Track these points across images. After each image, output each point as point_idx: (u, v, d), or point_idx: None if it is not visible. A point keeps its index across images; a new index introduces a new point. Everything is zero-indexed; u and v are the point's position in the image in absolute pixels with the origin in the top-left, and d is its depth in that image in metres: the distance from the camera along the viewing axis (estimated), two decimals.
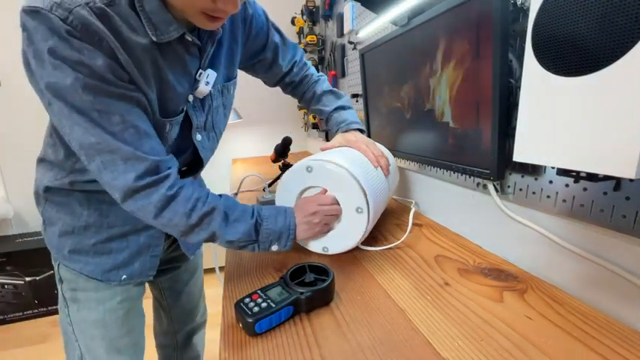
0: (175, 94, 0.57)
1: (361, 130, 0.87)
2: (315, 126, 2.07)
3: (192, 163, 0.71)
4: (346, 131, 0.85)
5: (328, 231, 0.71)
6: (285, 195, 0.75)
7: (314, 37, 1.90)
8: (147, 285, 0.84)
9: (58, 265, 0.68)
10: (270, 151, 1.44)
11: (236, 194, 1.33)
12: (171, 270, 0.91)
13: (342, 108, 0.89)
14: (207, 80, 0.61)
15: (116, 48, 0.47)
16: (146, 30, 0.50)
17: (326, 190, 0.70)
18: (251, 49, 0.78)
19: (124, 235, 0.67)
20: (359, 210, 0.67)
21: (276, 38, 0.83)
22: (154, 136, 0.54)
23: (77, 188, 0.63)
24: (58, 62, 0.44)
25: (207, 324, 1.14)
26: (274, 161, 1.98)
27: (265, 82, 0.92)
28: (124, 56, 0.48)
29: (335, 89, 0.92)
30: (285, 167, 1.35)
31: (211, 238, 0.59)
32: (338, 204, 0.69)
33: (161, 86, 0.55)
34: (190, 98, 0.61)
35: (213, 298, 1.99)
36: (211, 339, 1.43)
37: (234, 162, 2.34)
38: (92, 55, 0.45)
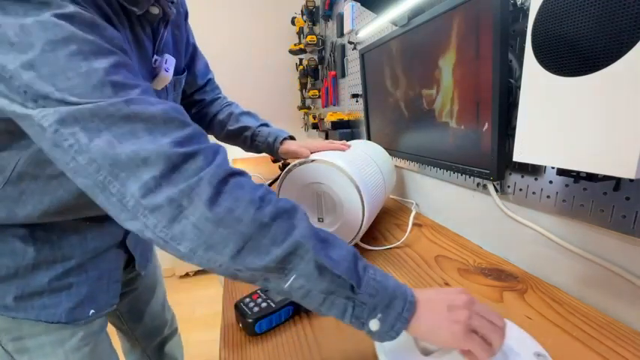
0: None
1: (292, 138, 0.84)
2: (315, 126, 2.07)
3: None
4: (284, 139, 0.82)
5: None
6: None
7: (314, 37, 1.90)
8: None
9: None
10: None
11: None
12: (128, 293, 0.79)
13: (266, 125, 0.85)
14: (167, 66, 0.52)
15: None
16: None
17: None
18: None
19: (81, 265, 0.57)
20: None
21: (194, 41, 0.75)
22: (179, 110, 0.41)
23: (14, 222, 0.50)
24: None
25: (207, 324, 1.14)
26: (274, 161, 1.98)
27: None
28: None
29: (252, 112, 0.88)
30: (285, 167, 1.34)
31: (289, 259, 0.35)
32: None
33: None
34: None
35: (213, 298, 2.00)
36: (211, 339, 1.43)
37: (234, 162, 2.34)
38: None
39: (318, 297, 0.36)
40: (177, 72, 0.62)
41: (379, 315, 0.36)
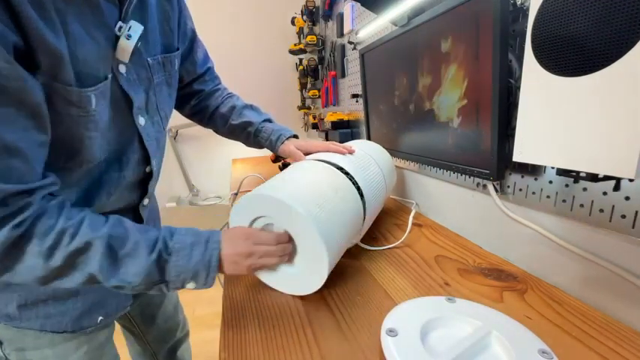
0: (88, 53, 0.42)
1: (295, 136, 0.82)
2: (315, 126, 2.07)
3: (140, 163, 0.57)
4: (287, 139, 0.80)
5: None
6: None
7: (314, 37, 1.90)
8: None
9: None
10: (270, 152, 1.44)
11: (236, 194, 1.33)
12: (138, 297, 0.76)
13: (270, 120, 0.83)
14: (130, 33, 0.47)
15: None
16: None
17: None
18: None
19: None
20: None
21: (194, 27, 0.71)
22: (20, 152, 0.37)
23: None
24: None
25: (207, 324, 1.14)
26: (274, 161, 1.98)
27: None
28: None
29: (254, 105, 0.85)
30: (285, 167, 1.35)
31: (92, 281, 0.43)
32: (290, 240, 0.55)
33: (67, 42, 0.40)
34: (122, 69, 0.49)
35: (214, 298, 2.00)
36: (211, 339, 1.44)
37: (234, 162, 2.34)
38: None
39: (133, 292, 0.47)
40: (167, 50, 0.58)
41: (191, 282, 0.48)
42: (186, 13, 0.67)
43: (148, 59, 0.53)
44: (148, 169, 0.59)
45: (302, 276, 0.57)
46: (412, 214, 0.90)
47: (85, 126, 0.44)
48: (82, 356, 0.57)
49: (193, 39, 0.72)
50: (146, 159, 0.57)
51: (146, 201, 0.64)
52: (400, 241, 0.77)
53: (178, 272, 0.46)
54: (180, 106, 0.81)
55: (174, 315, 0.90)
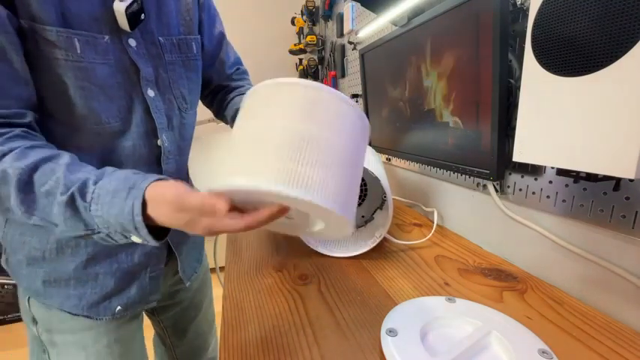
0: (77, 2, 0.45)
1: None
2: None
3: (150, 135, 0.57)
4: None
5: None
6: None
7: (314, 37, 1.90)
8: (145, 316, 0.72)
9: (28, 300, 0.56)
10: None
11: None
12: (172, 307, 0.77)
13: None
14: None
15: None
16: None
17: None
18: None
19: (111, 254, 0.54)
20: None
21: (223, 30, 0.74)
22: None
23: None
24: None
25: None
26: None
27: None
28: None
29: None
30: None
31: (7, 212, 0.41)
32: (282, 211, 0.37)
33: None
34: (133, 43, 0.52)
35: (214, 298, 1.99)
36: None
37: None
38: None
39: (78, 238, 0.44)
40: (186, 32, 0.61)
41: (131, 235, 0.40)
42: (213, 13, 0.70)
43: (160, 38, 0.56)
44: (159, 143, 0.58)
45: (328, 228, 0.44)
46: (435, 215, 0.90)
47: (74, 73, 0.45)
48: (103, 349, 0.57)
49: (221, 40, 0.74)
50: (155, 131, 0.57)
51: None
52: (426, 238, 0.77)
53: (104, 224, 0.40)
54: (210, 103, 0.83)
55: (206, 333, 0.87)
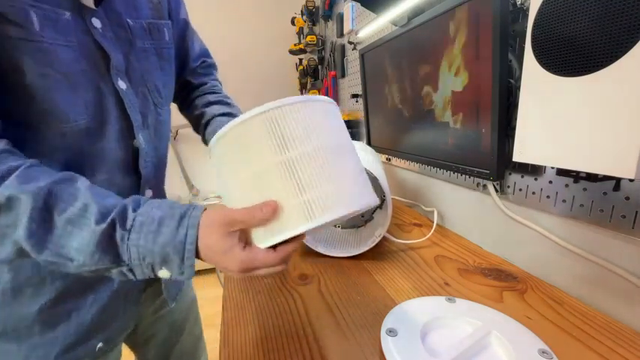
0: None
1: None
2: None
3: (125, 135, 0.50)
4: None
5: None
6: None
7: (314, 37, 1.89)
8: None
9: None
10: None
11: None
12: (153, 337, 0.69)
13: (230, 115, 0.70)
14: None
15: None
16: None
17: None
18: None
19: (88, 285, 0.46)
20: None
21: (187, 18, 0.67)
22: None
23: None
24: None
25: (207, 324, 1.13)
26: None
27: None
28: None
29: (233, 103, 0.74)
30: None
31: (21, 255, 0.36)
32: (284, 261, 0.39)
33: None
34: (97, 23, 0.45)
35: (214, 298, 2.00)
36: (211, 339, 1.44)
37: None
38: None
39: (92, 273, 0.36)
40: (157, 16, 0.55)
41: (162, 268, 0.36)
42: (179, 0, 0.64)
43: (128, 20, 0.49)
44: (135, 143, 0.51)
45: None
46: (435, 216, 0.90)
47: (33, 57, 0.38)
48: None
49: (185, 28, 0.68)
50: (130, 130, 0.50)
51: (148, 193, 0.55)
52: (426, 237, 0.77)
53: (141, 254, 0.35)
54: (175, 100, 0.74)
55: (192, 354, 0.79)
